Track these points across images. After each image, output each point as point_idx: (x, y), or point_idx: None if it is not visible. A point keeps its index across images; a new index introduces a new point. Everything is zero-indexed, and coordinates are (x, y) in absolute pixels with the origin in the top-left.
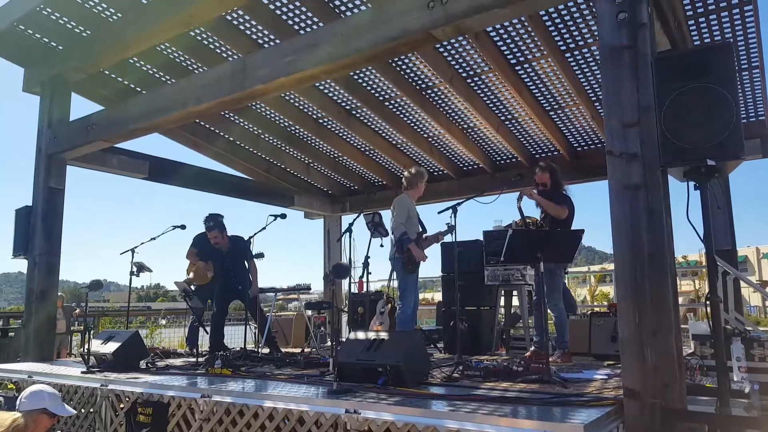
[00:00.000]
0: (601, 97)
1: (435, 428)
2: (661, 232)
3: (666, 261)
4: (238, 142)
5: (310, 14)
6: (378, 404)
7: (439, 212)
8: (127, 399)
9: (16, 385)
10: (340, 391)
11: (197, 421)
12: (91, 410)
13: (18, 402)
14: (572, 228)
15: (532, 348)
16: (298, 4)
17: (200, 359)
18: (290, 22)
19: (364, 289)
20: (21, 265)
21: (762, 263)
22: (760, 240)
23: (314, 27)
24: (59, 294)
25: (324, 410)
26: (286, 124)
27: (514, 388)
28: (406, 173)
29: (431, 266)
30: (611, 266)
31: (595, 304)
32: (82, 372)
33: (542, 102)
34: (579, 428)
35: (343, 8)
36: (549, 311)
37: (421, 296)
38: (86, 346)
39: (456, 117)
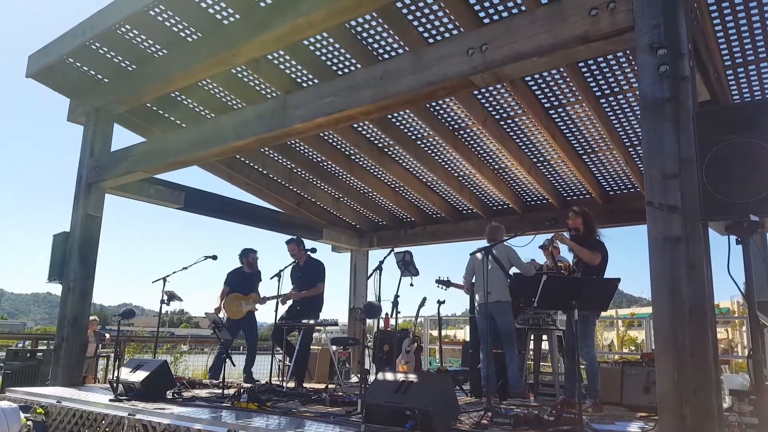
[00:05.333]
0: (635, 142)
1: None
2: (701, 286)
3: (707, 316)
4: (271, 176)
5: (349, 56)
6: None
7: (471, 254)
8: (154, 429)
9: (45, 410)
10: None
11: None
12: None
13: None
14: (605, 273)
15: (562, 396)
16: (338, 46)
17: (226, 391)
18: (329, 63)
19: (390, 326)
20: (49, 286)
21: None
22: None
23: (352, 68)
24: (94, 318)
25: None
26: (319, 159)
27: None
28: (491, 228)
29: (452, 304)
30: (640, 310)
31: (624, 350)
32: (110, 400)
33: (575, 146)
34: None
35: (381, 51)
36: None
37: (443, 333)
38: (115, 374)
39: (488, 158)
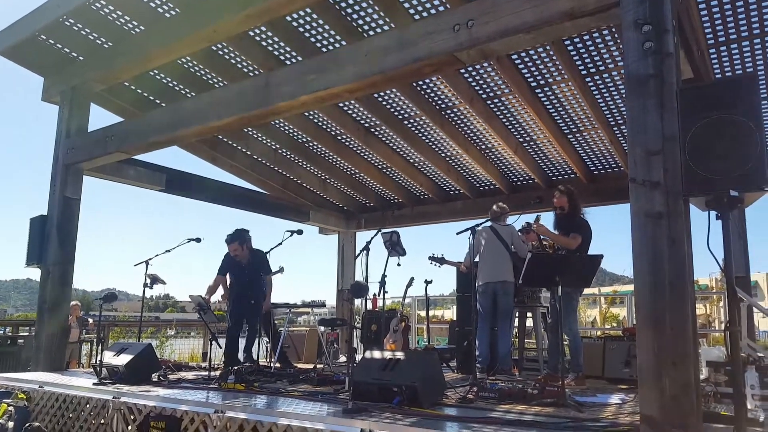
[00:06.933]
0: (620, 121)
1: None
2: (682, 261)
3: (687, 290)
4: (255, 157)
5: (332, 32)
6: (394, 425)
7: (457, 233)
8: (139, 412)
9: (27, 395)
10: (355, 410)
11: None
12: (102, 422)
13: None
14: (590, 251)
15: (546, 371)
16: (321, 22)
17: (213, 373)
18: (312, 39)
19: (378, 307)
20: (30, 272)
21: None
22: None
23: (337, 45)
24: (76, 303)
25: (339, 429)
26: (305, 139)
27: (529, 411)
28: (499, 208)
29: (440, 284)
30: (623, 288)
31: (606, 326)
32: (94, 383)
33: (561, 125)
34: None
35: (366, 27)
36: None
37: (431, 313)
38: (98, 358)
39: (474, 137)
